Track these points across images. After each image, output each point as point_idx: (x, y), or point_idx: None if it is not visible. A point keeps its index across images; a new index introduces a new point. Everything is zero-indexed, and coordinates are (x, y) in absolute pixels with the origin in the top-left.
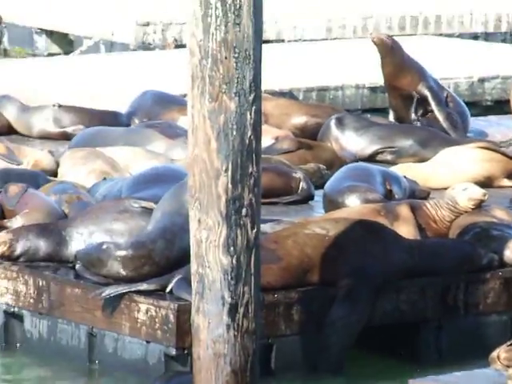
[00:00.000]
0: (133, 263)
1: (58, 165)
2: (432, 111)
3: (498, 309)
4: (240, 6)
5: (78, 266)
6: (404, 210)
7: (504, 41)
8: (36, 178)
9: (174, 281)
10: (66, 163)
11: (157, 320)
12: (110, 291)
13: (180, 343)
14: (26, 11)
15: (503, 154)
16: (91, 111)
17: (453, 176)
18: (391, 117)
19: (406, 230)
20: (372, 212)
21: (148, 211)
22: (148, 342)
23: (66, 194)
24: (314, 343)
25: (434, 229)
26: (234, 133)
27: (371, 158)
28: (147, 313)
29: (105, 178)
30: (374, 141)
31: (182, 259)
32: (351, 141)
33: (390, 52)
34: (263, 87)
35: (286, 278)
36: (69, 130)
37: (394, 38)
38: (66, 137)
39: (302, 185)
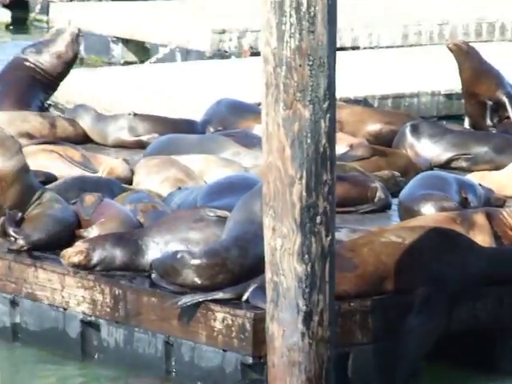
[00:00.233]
0: (207, 272)
1: (132, 173)
2: (509, 117)
3: None
4: (314, 14)
5: (153, 275)
6: (480, 218)
7: None
8: (111, 186)
9: (250, 289)
10: (141, 171)
11: (233, 329)
12: (187, 300)
13: (256, 352)
14: (103, 20)
15: None
16: (166, 120)
17: None
18: (467, 123)
19: (481, 238)
20: (447, 220)
21: (223, 220)
22: (225, 350)
23: (141, 204)
24: (390, 351)
25: (510, 237)
26: (309, 140)
27: (446, 165)
28: (223, 321)
29: (179, 188)
30: (449, 148)
31: (256, 267)
32: (426, 148)
33: (467, 58)
34: (338, 95)
35: (361, 285)
36: (144, 138)
37: (471, 44)
38: (140, 145)
39: (379, 194)
